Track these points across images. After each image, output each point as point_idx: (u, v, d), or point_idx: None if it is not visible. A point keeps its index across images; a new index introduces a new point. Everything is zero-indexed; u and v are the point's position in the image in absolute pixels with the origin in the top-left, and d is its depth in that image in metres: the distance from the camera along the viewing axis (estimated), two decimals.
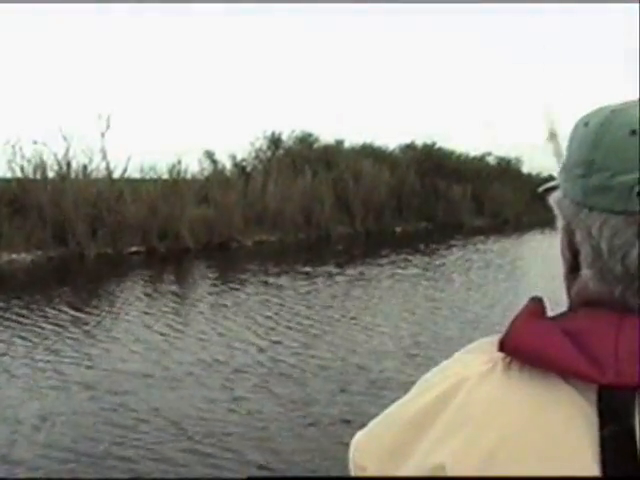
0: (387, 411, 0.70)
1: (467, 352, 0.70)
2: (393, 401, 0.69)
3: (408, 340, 9.07)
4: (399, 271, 16.62)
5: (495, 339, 0.67)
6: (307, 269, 16.61)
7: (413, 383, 0.70)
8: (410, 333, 9.46)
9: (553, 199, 0.73)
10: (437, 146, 35.90)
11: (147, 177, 22.58)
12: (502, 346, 0.65)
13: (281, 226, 24.75)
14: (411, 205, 31.49)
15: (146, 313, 10.98)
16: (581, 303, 0.70)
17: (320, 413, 6.12)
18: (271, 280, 14.76)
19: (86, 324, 10.17)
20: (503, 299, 11.91)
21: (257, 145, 30.43)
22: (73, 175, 20.60)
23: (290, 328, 9.79)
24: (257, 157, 30.03)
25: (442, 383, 0.67)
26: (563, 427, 0.61)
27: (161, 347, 8.80)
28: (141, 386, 6.97)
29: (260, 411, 6.23)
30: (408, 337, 9.22)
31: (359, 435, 0.71)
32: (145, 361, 8.09)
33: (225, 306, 11.65)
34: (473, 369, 0.66)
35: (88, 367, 7.81)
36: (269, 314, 10.83)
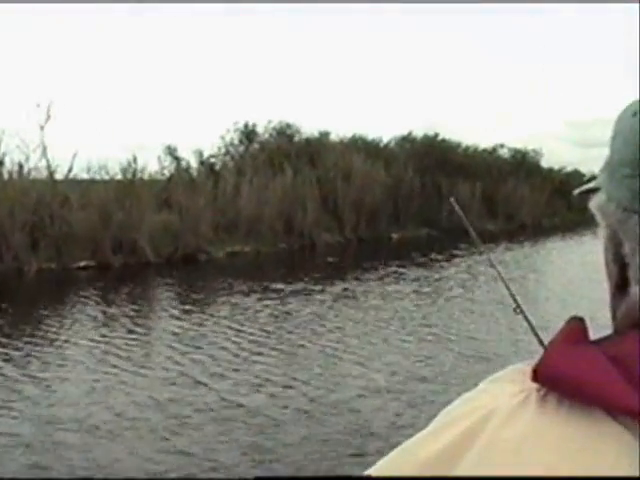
0: (403, 446, 0.69)
1: (494, 381, 0.69)
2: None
3: (399, 374, 9.00)
4: (392, 288, 16.76)
5: (527, 366, 0.66)
6: (286, 286, 16.74)
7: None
8: (402, 366, 9.39)
9: (594, 203, 0.72)
10: (440, 137, 36.61)
11: (97, 178, 22.63)
12: (536, 375, 0.65)
13: (257, 234, 24.94)
14: (410, 208, 31.88)
15: (95, 342, 10.90)
16: (630, 325, 0.69)
17: (289, 466, 5.95)
18: (244, 300, 14.83)
19: (20, 356, 9.95)
20: (515, 325, 11.93)
21: (227, 139, 31.04)
22: (6, 176, 20.32)
23: (261, 362, 9.71)
24: (228, 153, 30.52)
25: (467, 417, 0.66)
26: (608, 470, 0.60)
27: (108, 385, 8.66)
28: (79, 437, 6.72)
29: (219, 463, 6.13)
30: (399, 370, 9.15)
31: (370, 472, 0.70)
32: (88, 405, 7.87)
33: (190, 333, 11.66)
34: (502, 402, 0.65)
35: (14, 416, 7.43)
36: (241, 343, 10.82)
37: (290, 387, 8.58)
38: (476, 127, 57.71)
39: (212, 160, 29.20)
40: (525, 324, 2.30)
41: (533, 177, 38.05)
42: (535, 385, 0.65)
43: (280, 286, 16.76)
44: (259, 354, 10.19)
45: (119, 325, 12.38)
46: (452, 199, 3.00)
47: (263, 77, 46.54)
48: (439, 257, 23.59)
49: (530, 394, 0.65)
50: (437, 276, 19.29)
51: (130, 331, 11.93)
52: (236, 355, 10.11)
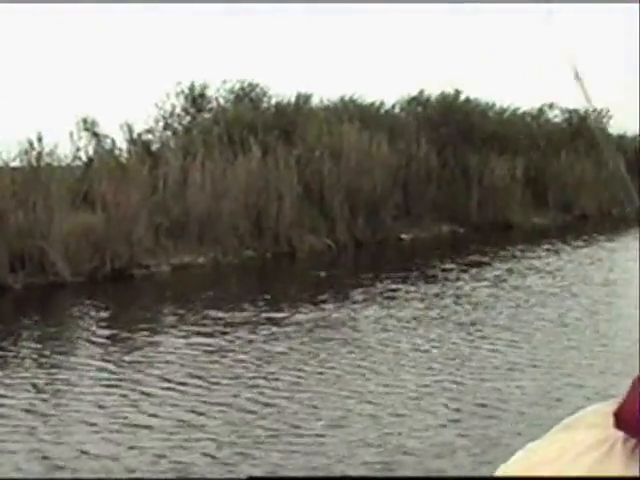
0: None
1: (571, 426, 0.77)
2: None
3: (390, 442, 9.20)
4: (390, 314, 16.73)
5: (608, 408, 0.74)
6: (254, 314, 16.78)
7: None
8: (392, 430, 9.55)
9: None
10: (463, 97, 36.69)
11: None
12: (619, 422, 0.73)
13: (215, 240, 25.02)
14: (425, 196, 32.06)
15: None
16: None
17: None
18: (193, 336, 14.81)
19: None
20: (575, 370, 12.16)
21: (167, 107, 30.99)
22: None
23: (204, 426, 9.82)
24: (168, 127, 30.58)
25: (550, 463, 0.75)
26: None
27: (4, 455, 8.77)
28: None
29: None
30: (388, 439, 9.32)
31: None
32: None
33: (116, 380, 11.72)
34: (582, 450, 0.73)
35: None
36: (184, 396, 10.94)
37: (245, 455, 8.87)
38: (512, 81, 57.24)
39: (147, 137, 29.18)
40: None
41: (597, 149, 38.12)
42: (621, 434, 0.72)
43: (242, 313, 16.76)
44: (207, 414, 10.34)
45: (19, 369, 12.47)
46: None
47: (214, 19, 46.08)
48: (464, 266, 23.58)
49: (615, 443, 0.72)
50: (459, 294, 19.30)
51: (33, 376, 12.00)
52: (173, 414, 10.27)
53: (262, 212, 26.69)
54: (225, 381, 11.87)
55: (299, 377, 11.99)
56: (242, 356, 13.38)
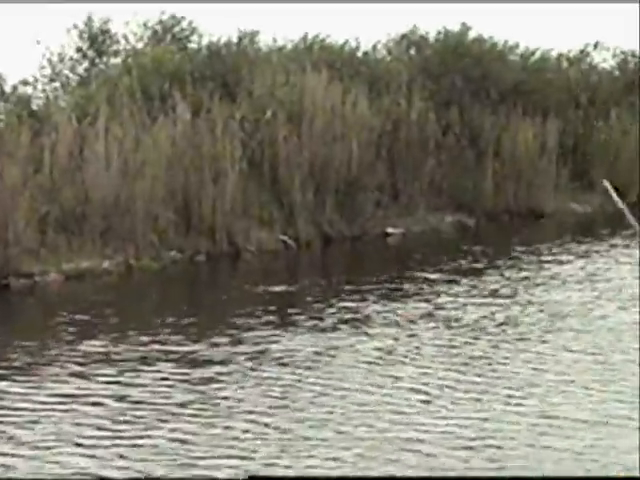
0: None
1: None
2: None
3: None
4: (357, 347, 16.69)
5: None
6: (177, 346, 16.79)
7: None
8: None
9: None
10: (473, 35, 36.75)
11: None
12: None
13: (125, 236, 24.96)
14: (420, 175, 31.98)
15: None
16: None
17: None
18: (78, 380, 14.75)
19: None
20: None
21: (56, 49, 31.13)
22: None
23: None
24: (58, 77, 30.79)
25: None
26: None
27: None
28: None
29: None
30: None
31: None
32: None
33: None
34: None
35: None
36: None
37: None
38: (541, 12, 57.23)
39: (25, 90, 29.32)
40: None
41: None
42: None
43: (152, 348, 16.68)
44: None
45: None
46: (605, 182, 3.03)
47: None
48: (469, 276, 23.48)
49: None
50: (456, 316, 19.12)
51: None
52: None
53: (191, 197, 26.57)
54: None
55: None
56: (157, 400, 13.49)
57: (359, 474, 10.36)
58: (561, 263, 25.40)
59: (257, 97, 29.62)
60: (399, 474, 10.41)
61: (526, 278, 23.09)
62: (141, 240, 25.24)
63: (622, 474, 9.81)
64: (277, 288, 22.57)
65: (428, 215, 31.91)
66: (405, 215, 31.37)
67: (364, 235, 29.40)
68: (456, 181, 32.71)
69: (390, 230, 30.59)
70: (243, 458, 10.81)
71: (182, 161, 26.78)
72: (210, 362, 15.68)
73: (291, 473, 10.30)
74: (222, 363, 15.60)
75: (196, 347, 16.71)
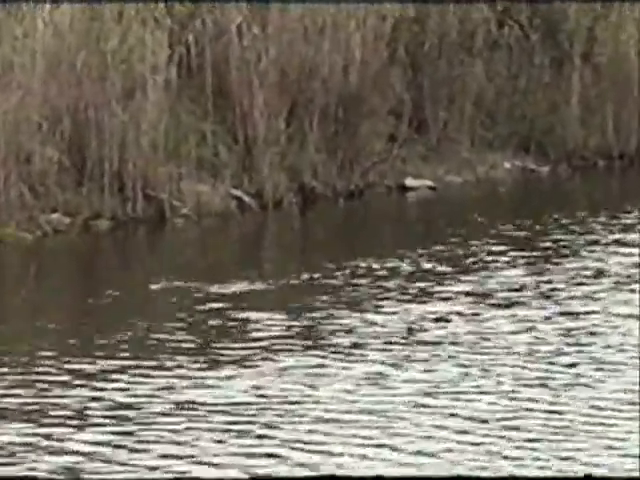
0: None
1: None
2: None
3: None
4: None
5: None
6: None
7: None
8: None
9: None
10: None
11: None
12: None
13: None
14: (459, 91, 26.77)
15: None
16: None
17: None
18: None
19: None
20: None
21: None
22: None
23: None
24: None
25: None
26: None
27: None
28: None
29: None
30: None
31: None
32: None
33: None
34: None
35: None
36: None
37: None
38: None
39: None
40: None
41: None
42: None
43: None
44: None
45: None
46: None
47: None
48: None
49: None
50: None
51: None
52: None
53: (86, 125, 22.32)
54: None
55: None
56: None
57: None
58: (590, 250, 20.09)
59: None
60: None
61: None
62: (1, 193, 21.33)
63: None
64: (223, 288, 17.05)
65: (473, 158, 26.50)
66: (435, 158, 26.17)
67: (368, 189, 24.48)
68: (520, 104, 27.23)
69: (411, 182, 25.54)
70: None
71: (71, 65, 22.55)
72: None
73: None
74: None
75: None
